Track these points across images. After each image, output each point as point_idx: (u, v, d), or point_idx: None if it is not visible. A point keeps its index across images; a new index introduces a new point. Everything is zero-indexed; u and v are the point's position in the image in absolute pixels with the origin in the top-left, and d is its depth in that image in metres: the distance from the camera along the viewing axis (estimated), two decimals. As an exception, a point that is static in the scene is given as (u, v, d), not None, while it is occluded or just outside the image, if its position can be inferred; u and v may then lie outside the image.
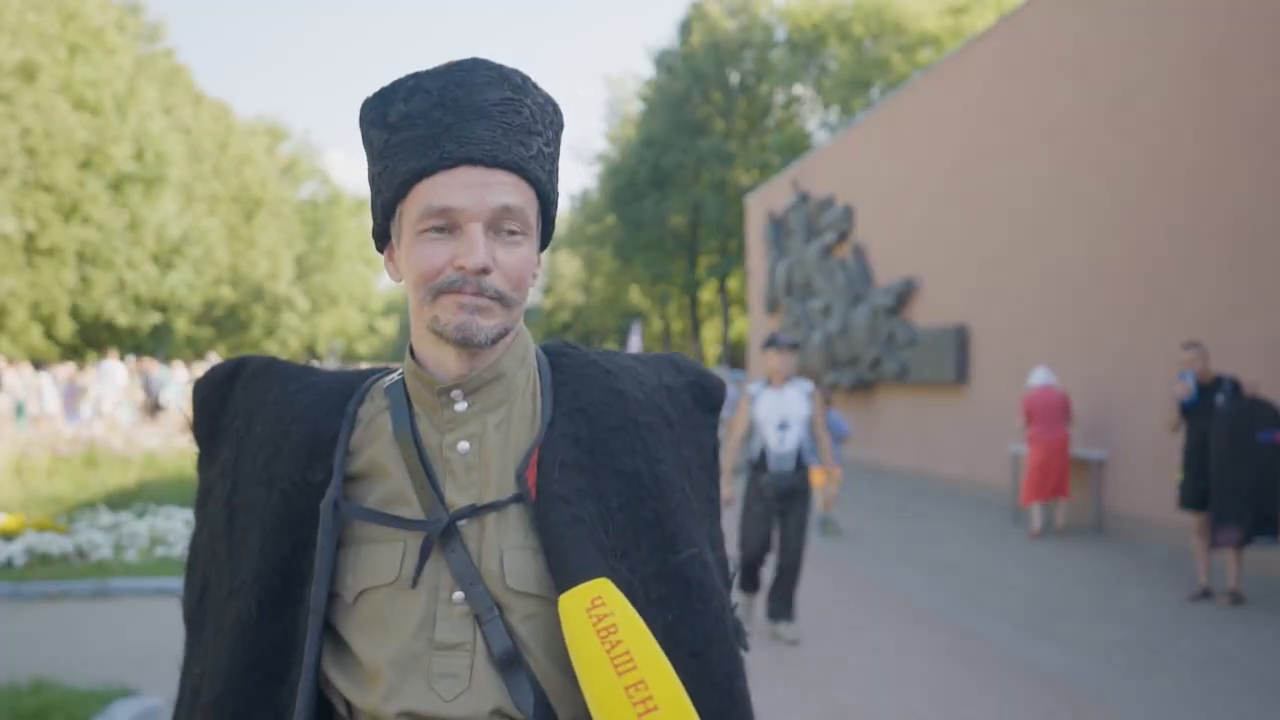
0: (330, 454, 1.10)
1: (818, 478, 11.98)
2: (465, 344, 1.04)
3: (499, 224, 1.04)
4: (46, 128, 27.12)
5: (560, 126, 1.14)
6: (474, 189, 1.03)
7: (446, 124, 1.04)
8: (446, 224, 1.03)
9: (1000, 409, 11.73)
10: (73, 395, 19.85)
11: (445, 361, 1.09)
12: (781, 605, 6.02)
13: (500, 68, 1.08)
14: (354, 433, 1.13)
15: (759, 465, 5.87)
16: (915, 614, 6.63)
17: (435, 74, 1.07)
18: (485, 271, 1.02)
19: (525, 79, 1.09)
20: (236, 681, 1.06)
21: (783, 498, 5.83)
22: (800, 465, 5.85)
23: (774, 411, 5.82)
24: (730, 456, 6.04)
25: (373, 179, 1.10)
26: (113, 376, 20.03)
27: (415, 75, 1.08)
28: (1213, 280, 8.38)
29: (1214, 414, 6.81)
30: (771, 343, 5.95)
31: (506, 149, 1.04)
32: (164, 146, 31.67)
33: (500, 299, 1.04)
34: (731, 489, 6.09)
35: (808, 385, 5.98)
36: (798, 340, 6.71)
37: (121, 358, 25.72)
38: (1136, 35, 9.42)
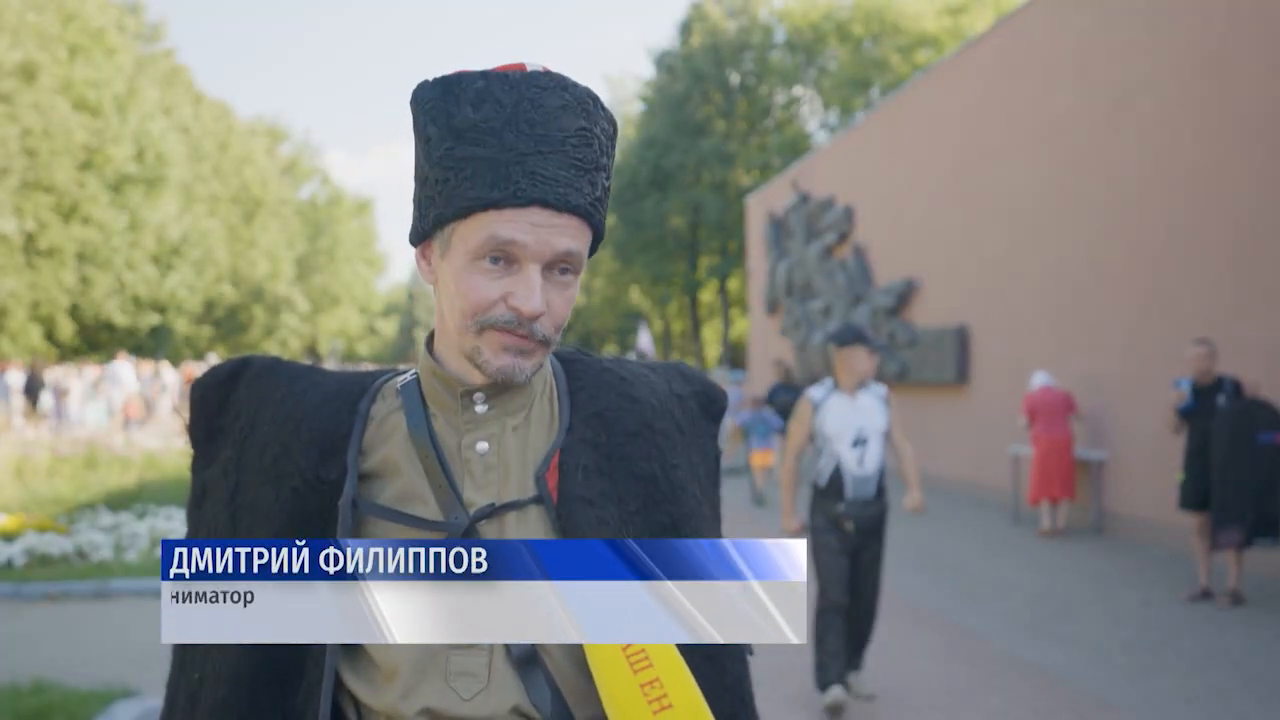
0: (343, 451, 1.10)
1: (761, 459, 11.81)
2: (506, 382, 1.06)
3: (555, 265, 1.04)
4: (46, 128, 27.12)
5: (614, 138, 1.12)
6: (540, 230, 1.02)
7: (521, 152, 1.01)
8: (504, 257, 1.02)
9: (1001, 409, 11.73)
10: (56, 396, 20.00)
11: (470, 377, 1.10)
12: (852, 653, 4.93)
13: (575, 89, 1.05)
14: (366, 431, 1.12)
15: (829, 491, 4.73)
16: (916, 614, 6.63)
17: (508, 82, 1.03)
18: (538, 316, 1.03)
19: (595, 101, 1.07)
20: (245, 684, 1.05)
21: (863, 531, 4.71)
22: (882, 490, 4.75)
23: (847, 423, 4.69)
24: (790, 477, 4.97)
25: (425, 179, 1.07)
26: (121, 377, 20.27)
27: (484, 75, 1.04)
28: (1213, 280, 8.39)
29: (1215, 415, 6.81)
30: (856, 338, 4.74)
31: (578, 191, 1.03)
32: (164, 147, 31.66)
33: (545, 342, 1.05)
34: (800, 516, 4.96)
35: (881, 389, 4.85)
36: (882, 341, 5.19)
37: (100, 361, 25.84)
38: (1136, 35, 9.42)
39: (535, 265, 1.02)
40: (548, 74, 1.05)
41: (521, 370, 1.05)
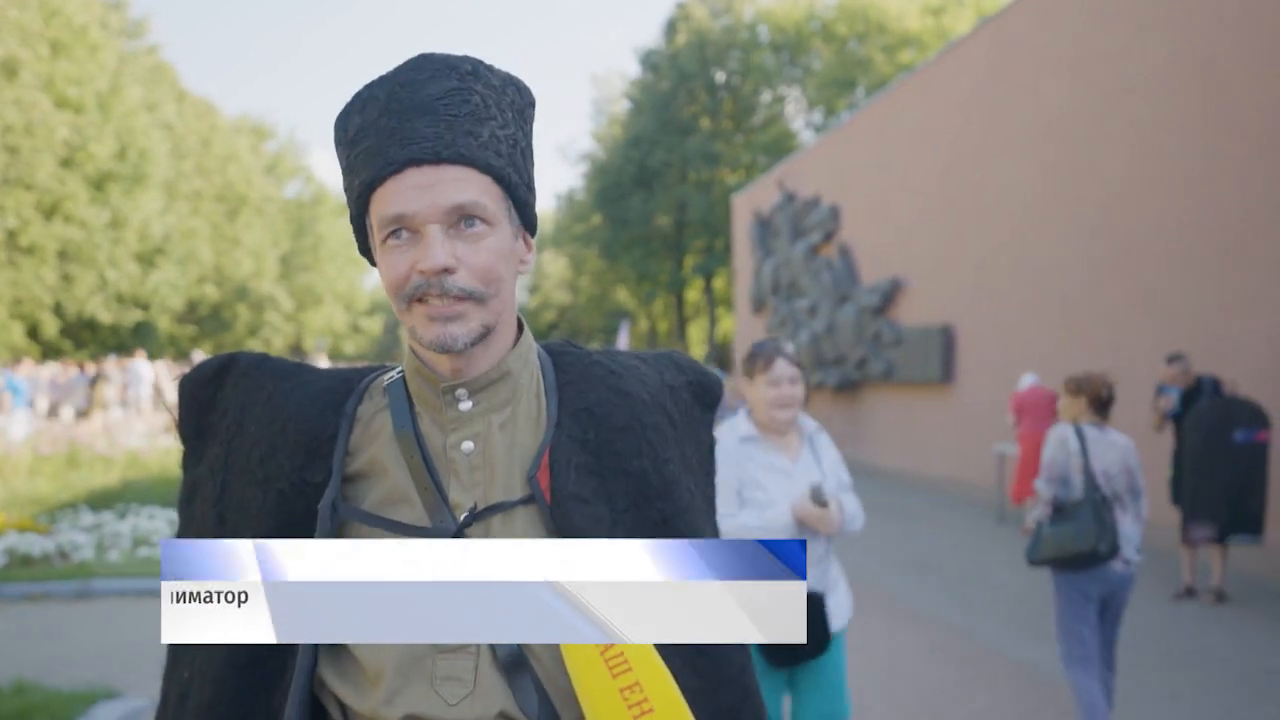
0: (329, 454, 1.08)
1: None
2: (446, 353, 1.03)
3: (457, 220, 1.02)
4: (27, 125, 26.88)
5: (525, 105, 1.10)
6: (423, 190, 1.00)
7: (391, 129, 1.01)
8: (406, 230, 1.01)
9: (985, 408, 11.77)
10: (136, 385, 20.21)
11: (440, 362, 1.08)
12: None
13: (447, 58, 1.05)
14: (353, 432, 1.11)
15: None
16: (903, 613, 6.64)
17: (384, 79, 1.05)
18: (447, 271, 1.00)
19: (476, 65, 1.06)
20: (228, 685, 1.04)
21: None
22: None
23: None
24: None
25: (346, 194, 1.10)
26: (142, 375, 20.33)
27: (369, 84, 1.06)
28: (1201, 280, 8.43)
29: (1191, 413, 6.98)
30: None
31: (450, 142, 1.01)
32: (147, 144, 31.41)
33: (471, 296, 1.02)
34: None
35: None
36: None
37: (86, 359, 25.69)
38: (1126, 35, 9.46)
39: (433, 226, 1.01)
40: (422, 55, 1.06)
41: (455, 337, 1.02)
